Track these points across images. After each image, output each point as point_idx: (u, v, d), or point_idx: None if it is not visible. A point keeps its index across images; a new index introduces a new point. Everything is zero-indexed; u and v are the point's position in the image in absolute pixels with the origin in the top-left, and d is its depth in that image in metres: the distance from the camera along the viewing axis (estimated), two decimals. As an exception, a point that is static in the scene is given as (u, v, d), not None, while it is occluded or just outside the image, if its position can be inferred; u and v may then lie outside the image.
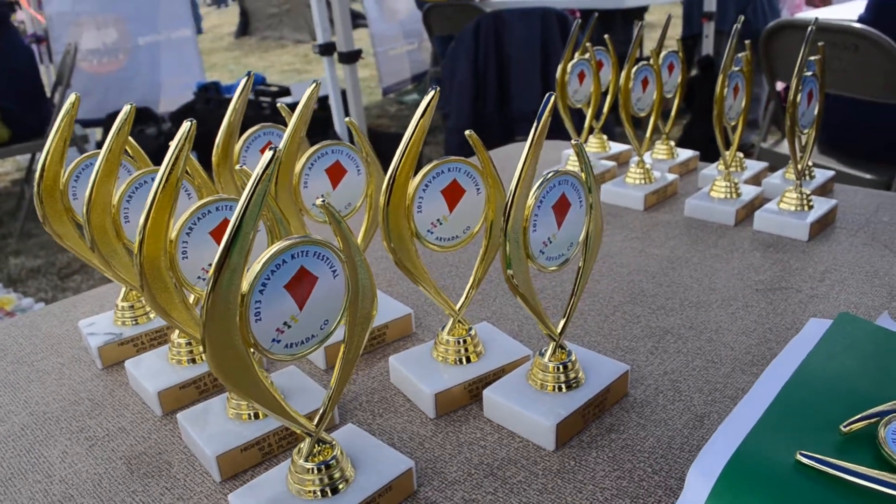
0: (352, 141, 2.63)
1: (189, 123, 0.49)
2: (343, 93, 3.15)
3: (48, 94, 3.69)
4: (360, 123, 2.94)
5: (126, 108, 0.59)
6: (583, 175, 0.56)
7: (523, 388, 0.60)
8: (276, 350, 0.45)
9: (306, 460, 0.49)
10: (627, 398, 0.63)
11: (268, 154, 0.40)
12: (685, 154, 1.24)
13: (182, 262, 0.54)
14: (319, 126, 3.51)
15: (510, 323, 0.76)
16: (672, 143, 1.23)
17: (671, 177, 1.13)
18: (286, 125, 0.78)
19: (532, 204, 0.53)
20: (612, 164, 1.21)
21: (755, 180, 1.14)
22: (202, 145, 0.71)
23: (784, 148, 2.46)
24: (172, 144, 0.50)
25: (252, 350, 0.44)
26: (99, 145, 4.01)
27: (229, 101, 0.73)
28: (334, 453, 0.50)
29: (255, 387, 0.45)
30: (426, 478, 0.55)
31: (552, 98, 0.52)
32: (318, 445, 0.50)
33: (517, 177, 0.51)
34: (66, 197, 0.68)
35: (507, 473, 0.55)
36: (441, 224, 0.60)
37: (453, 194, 0.59)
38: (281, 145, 0.64)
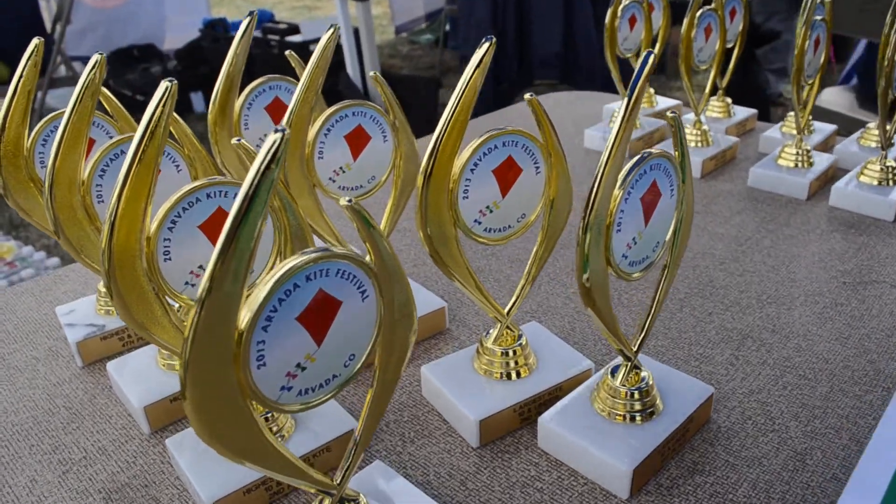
0: (366, 94, 2.45)
1: (168, 84, 0.37)
2: (356, 32, 2.98)
3: (48, 30, 3.51)
4: (374, 67, 2.77)
5: (95, 58, 0.47)
6: (677, 156, 0.44)
7: (588, 416, 0.49)
8: (286, 400, 0.34)
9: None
10: (710, 425, 0.52)
11: (272, 137, 0.28)
12: (742, 112, 1.11)
13: (164, 265, 0.42)
14: (329, 70, 3.35)
15: (559, 319, 0.65)
16: (729, 100, 1.10)
17: (731, 139, 1.00)
18: (296, 76, 0.66)
19: (619, 196, 0.41)
20: (660, 122, 1.07)
21: (824, 146, 1.01)
22: (210, 87, 0.59)
23: (823, 101, 2.29)
24: (148, 110, 0.37)
25: (251, 402, 0.32)
26: (103, 84, 3.84)
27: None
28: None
29: (261, 451, 0.34)
30: (470, 530, 0.45)
31: (651, 57, 0.40)
32: None
33: (605, 160, 0.39)
34: (32, 164, 0.56)
35: (570, 527, 0.44)
36: (492, 212, 0.48)
37: (508, 175, 0.48)
38: (289, 109, 0.52)
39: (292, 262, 0.31)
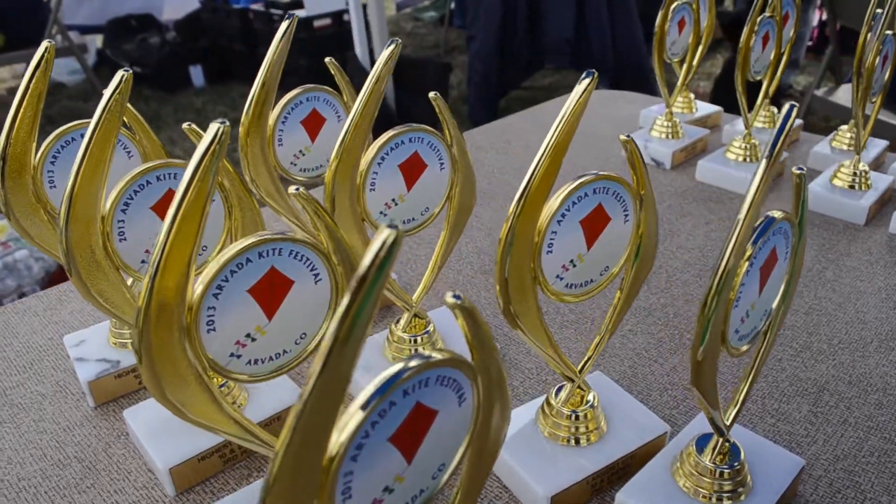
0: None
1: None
2: (364, 8, 2.87)
3: (44, -3, 3.40)
4: (383, 44, 2.64)
5: (120, 75, 0.41)
6: (796, 220, 0.38)
7: (670, 495, 0.43)
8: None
9: None
10: (798, 499, 0.47)
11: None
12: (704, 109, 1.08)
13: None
14: (335, 47, 3.24)
15: (619, 363, 0.60)
16: (774, 108, 1.04)
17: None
18: (334, 85, 0.60)
19: (745, 268, 0.35)
20: (703, 131, 1.01)
21: (876, 163, 0.95)
22: (210, 61, 0.54)
23: (840, 98, 2.22)
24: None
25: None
26: (100, 54, 3.73)
27: (238, 11, 0.56)
28: None
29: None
30: None
31: (793, 111, 0.34)
32: None
33: (738, 230, 0.33)
34: (40, 183, 0.50)
35: None
36: (575, 266, 0.42)
37: (595, 225, 0.42)
38: (339, 140, 0.46)
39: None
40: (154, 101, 3.28)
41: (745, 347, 0.39)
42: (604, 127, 1.09)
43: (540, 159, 0.38)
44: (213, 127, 0.33)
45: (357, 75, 2.30)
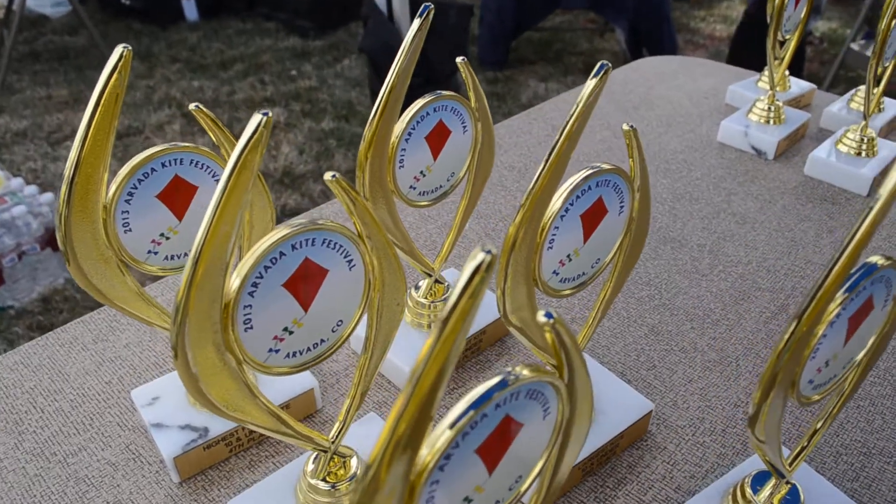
0: (391, 16, 2.26)
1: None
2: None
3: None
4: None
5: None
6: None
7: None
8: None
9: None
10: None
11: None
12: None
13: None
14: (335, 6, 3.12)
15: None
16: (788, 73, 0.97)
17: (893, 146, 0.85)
18: (466, 89, 0.51)
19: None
20: (805, 115, 0.92)
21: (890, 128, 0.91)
22: None
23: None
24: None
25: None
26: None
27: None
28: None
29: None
30: None
31: None
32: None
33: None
34: (113, 225, 0.41)
35: None
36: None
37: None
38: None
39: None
40: (145, 36, 3.16)
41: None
42: (685, 103, 1.01)
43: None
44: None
45: (373, 15, 2.18)
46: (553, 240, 0.39)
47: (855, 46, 2.09)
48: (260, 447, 0.50)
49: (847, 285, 0.32)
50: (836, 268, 0.30)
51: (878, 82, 0.80)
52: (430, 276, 0.55)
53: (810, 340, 0.32)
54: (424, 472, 0.24)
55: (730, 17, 3.31)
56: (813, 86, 1.01)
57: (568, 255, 0.41)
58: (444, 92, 0.48)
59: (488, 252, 0.21)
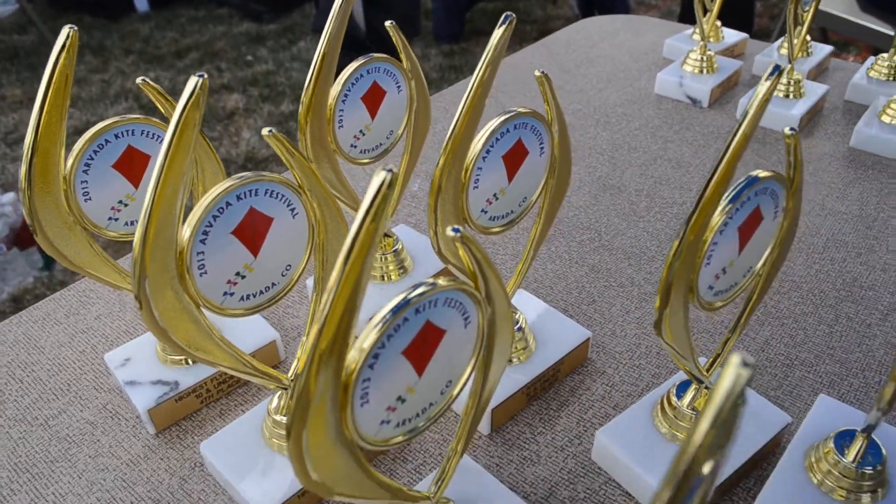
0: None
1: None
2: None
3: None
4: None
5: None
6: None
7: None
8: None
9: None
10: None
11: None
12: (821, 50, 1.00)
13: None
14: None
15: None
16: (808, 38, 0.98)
17: (820, 88, 0.90)
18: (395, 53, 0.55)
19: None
20: (737, 63, 0.97)
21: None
22: None
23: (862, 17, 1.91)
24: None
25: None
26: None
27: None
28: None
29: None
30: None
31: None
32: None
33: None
34: (73, 194, 0.45)
35: None
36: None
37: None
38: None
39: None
40: (97, 29, 3.13)
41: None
42: (625, 59, 1.06)
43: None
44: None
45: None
46: (478, 179, 0.43)
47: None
48: (229, 398, 0.53)
49: (731, 195, 0.36)
50: (715, 177, 0.34)
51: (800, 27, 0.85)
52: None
53: (701, 247, 0.36)
54: (355, 370, 0.28)
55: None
56: (745, 35, 1.06)
57: (494, 195, 0.45)
58: (376, 55, 0.52)
59: (389, 170, 0.24)
